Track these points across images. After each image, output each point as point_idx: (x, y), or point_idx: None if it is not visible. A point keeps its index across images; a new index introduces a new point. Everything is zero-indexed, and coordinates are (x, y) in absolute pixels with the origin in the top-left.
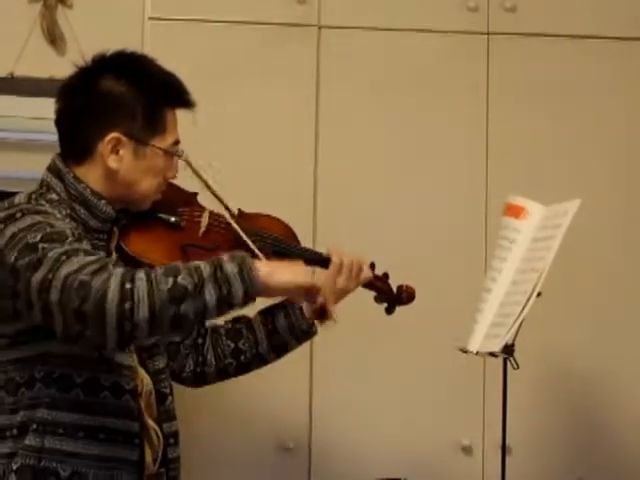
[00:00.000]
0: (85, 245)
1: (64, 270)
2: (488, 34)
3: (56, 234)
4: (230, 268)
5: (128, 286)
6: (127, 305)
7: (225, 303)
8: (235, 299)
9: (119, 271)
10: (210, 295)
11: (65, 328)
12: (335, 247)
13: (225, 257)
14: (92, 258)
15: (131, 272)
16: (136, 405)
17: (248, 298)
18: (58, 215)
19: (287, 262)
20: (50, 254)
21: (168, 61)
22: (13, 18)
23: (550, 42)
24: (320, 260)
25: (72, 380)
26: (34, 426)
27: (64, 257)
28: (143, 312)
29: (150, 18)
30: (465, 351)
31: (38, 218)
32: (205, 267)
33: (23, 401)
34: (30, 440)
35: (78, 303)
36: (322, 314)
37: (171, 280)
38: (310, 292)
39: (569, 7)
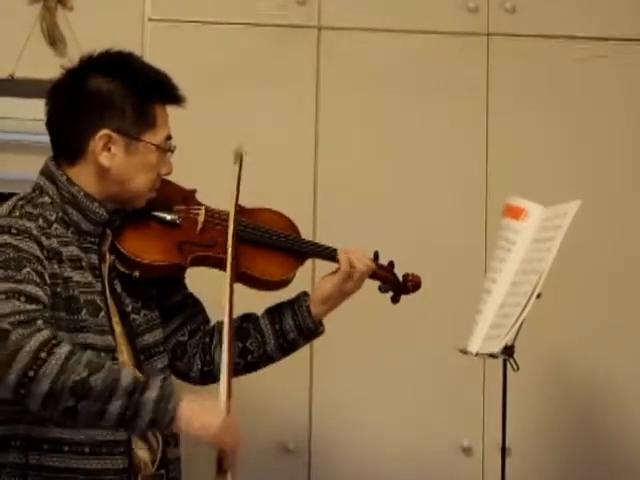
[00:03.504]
0: (72, 253)
1: None
2: (488, 35)
3: (15, 261)
4: (152, 394)
5: (42, 355)
6: (30, 373)
7: (124, 424)
8: (139, 422)
9: (43, 336)
10: (114, 406)
11: None
12: (345, 253)
13: (155, 383)
14: (28, 307)
15: (54, 342)
16: None
17: (154, 426)
18: (34, 231)
19: (208, 408)
20: None
21: (168, 62)
22: (13, 20)
23: (550, 43)
24: (324, 255)
25: None
26: (17, 443)
27: (2, 296)
28: (40, 389)
29: (150, 20)
30: (465, 352)
31: (7, 239)
32: (125, 381)
33: (2, 415)
34: (14, 457)
35: None
36: (219, 466)
37: (85, 375)
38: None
39: (568, 8)
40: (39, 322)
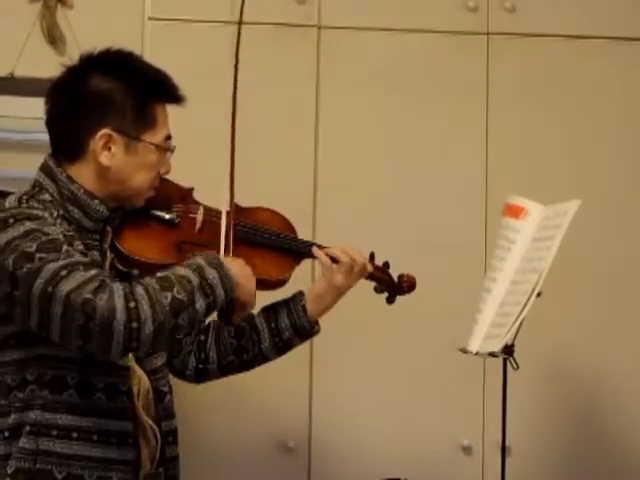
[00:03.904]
0: (77, 247)
1: (65, 286)
2: (488, 34)
3: (51, 243)
4: (211, 274)
5: (132, 305)
6: (134, 325)
7: (211, 308)
8: (218, 303)
9: (120, 289)
10: (200, 304)
11: (63, 339)
12: (318, 249)
13: (201, 261)
14: (91, 273)
15: (130, 288)
16: (131, 405)
17: (227, 298)
18: (49, 219)
19: (245, 269)
20: (49, 266)
21: (168, 61)
22: (13, 18)
23: (550, 42)
24: (305, 252)
25: (65, 382)
26: (27, 428)
27: (64, 272)
28: (148, 330)
29: (150, 18)
30: (465, 351)
31: (31, 225)
32: (192, 277)
33: (15, 403)
34: (24, 443)
35: (83, 321)
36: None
37: (169, 295)
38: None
39: (569, 7)
40: (108, 281)
